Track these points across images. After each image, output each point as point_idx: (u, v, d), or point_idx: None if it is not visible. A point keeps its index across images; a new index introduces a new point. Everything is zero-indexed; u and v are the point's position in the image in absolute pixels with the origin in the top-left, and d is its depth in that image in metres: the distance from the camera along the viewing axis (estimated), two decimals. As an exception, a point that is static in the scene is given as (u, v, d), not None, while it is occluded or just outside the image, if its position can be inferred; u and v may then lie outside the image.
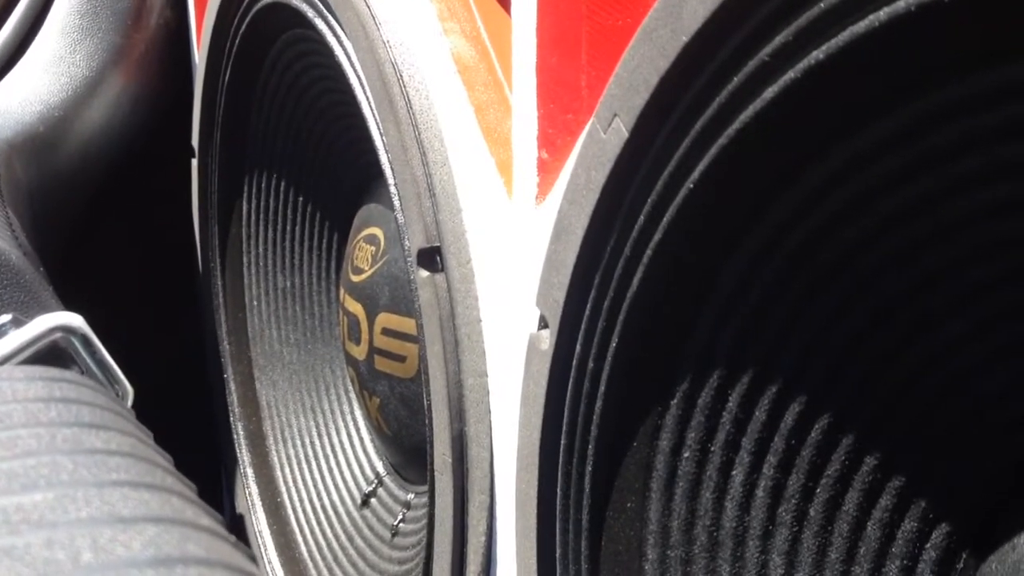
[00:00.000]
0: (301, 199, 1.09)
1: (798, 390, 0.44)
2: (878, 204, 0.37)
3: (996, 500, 0.42)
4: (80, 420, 0.31)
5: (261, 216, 1.11)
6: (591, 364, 0.50)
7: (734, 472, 0.48)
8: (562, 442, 0.53)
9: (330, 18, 0.76)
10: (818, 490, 0.47)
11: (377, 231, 0.94)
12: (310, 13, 0.79)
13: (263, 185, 1.10)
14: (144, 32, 1.17)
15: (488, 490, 0.66)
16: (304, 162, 1.05)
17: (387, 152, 0.69)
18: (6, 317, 0.55)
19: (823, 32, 0.35)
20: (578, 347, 0.50)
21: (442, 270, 0.65)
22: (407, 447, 0.97)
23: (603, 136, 0.46)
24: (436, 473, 0.68)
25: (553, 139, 0.56)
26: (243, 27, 0.96)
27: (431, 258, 0.65)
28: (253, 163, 1.09)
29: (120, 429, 0.33)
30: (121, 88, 1.15)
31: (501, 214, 0.61)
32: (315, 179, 1.06)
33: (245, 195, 1.11)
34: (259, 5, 0.91)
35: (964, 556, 0.44)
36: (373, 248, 0.94)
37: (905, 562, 0.44)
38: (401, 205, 0.68)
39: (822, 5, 0.34)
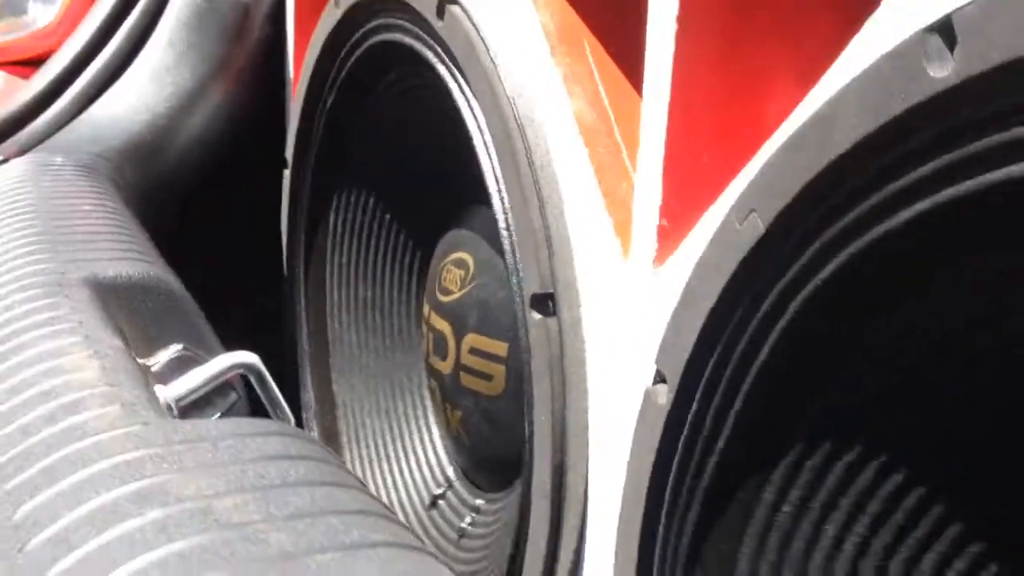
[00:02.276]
0: (388, 216, 1.15)
1: (898, 467, 0.50)
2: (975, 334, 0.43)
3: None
4: (323, 477, 0.38)
5: (348, 229, 1.18)
6: (708, 423, 0.56)
7: (826, 527, 0.54)
8: (669, 485, 0.59)
9: (452, 67, 0.82)
10: (900, 548, 0.53)
11: (466, 256, 1.00)
12: (432, 58, 0.85)
13: (353, 201, 1.16)
14: (245, 47, 1.23)
15: (581, 515, 0.72)
16: (395, 184, 1.12)
17: (504, 199, 0.75)
18: (177, 347, 0.62)
19: (961, 173, 0.41)
20: (695, 405, 0.56)
21: (554, 314, 0.71)
22: (483, 457, 1.03)
23: (738, 227, 0.52)
24: (534, 497, 0.74)
25: (674, 210, 0.62)
26: (353, 57, 1.02)
27: (544, 303, 0.71)
28: (345, 180, 1.15)
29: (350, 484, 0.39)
30: (220, 99, 1.22)
31: (615, 271, 0.67)
32: (404, 200, 1.13)
33: (334, 208, 1.18)
34: (375, 40, 0.97)
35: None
36: (462, 272, 1.00)
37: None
38: (516, 250, 0.74)
39: (967, 150, 0.40)
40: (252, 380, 0.57)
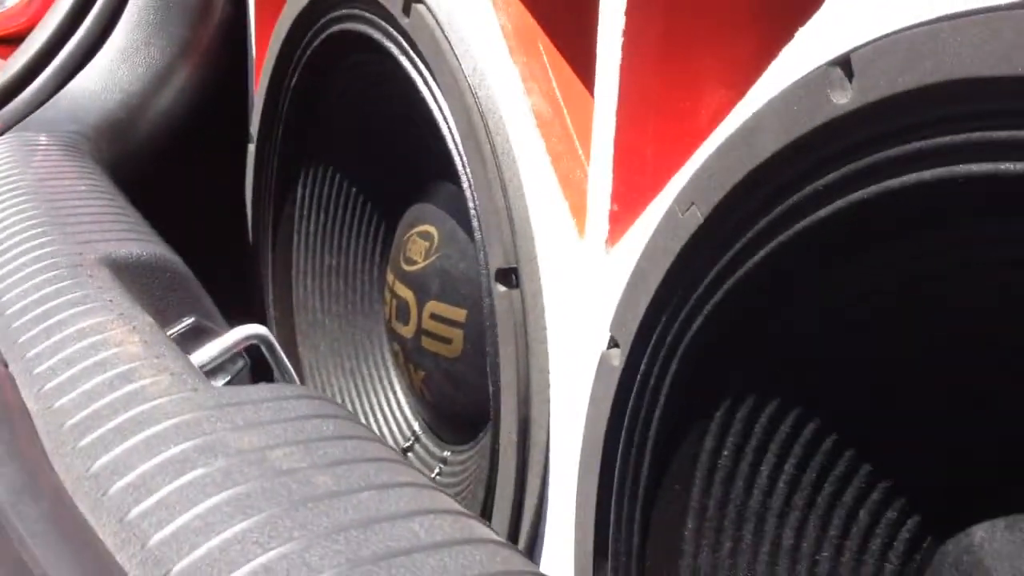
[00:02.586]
0: (352, 190, 1.23)
1: (814, 415, 0.61)
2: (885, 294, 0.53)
3: (956, 499, 0.59)
4: (357, 431, 0.47)
5: (313, 201, 1.26)
6: (653, 381, 0.66)
7: (761, 468, 0.64)
8: (622, 436, 0.69)
9: (418, 61, 0.90)
10: (825, 484, 0.63)
11: (431, 229, 1.09)
12: (396, 52, 0.93)
13: (318, 175, 1.24)
14: (209, 27, 1.29)
15: (543, 463, 0.82)
16: (359, 160, 1.20)
17: (471, 183, 0.84)
18: (188, 320, 0.70)
19: (863, 180, 0.50)
20: (644, 366, 0.66)
21: (517, 287, 0.80)
22: (446, 413, 1.13)
23: (681, 216, 0.61)
24: (501, 448, 0.84)
25: (624, 196, 0.71)
26: (318, 40, 1.09)
27: (508, 276, 0.80)
28: (311, 154, 1.23)
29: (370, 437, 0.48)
30: (187, 77, 1.28)
31: (572, 249, 0.76)
32: (367, 176, 1.21)
33: (300, 182, 1.25)
34: (340, 27, 1.04)
35: (929, 540, 0.61)
36: (427, 244, 1.08)
37: (885, 540, 0.61)
38: (482, 229, 0.83)
39: (861, 163, 0.50)
40: (263, 349, 0.66)
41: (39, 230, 0.77)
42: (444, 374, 1.07)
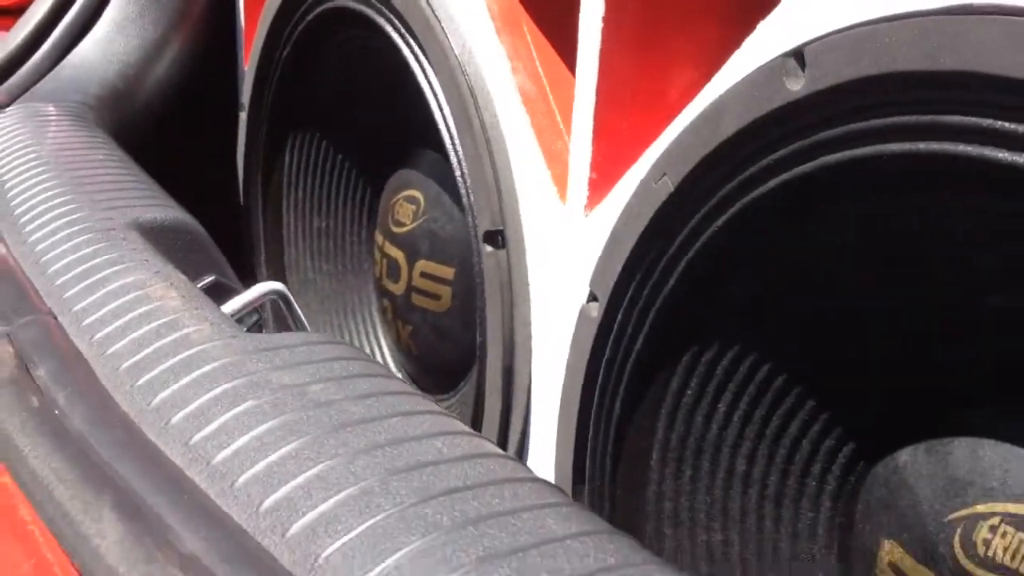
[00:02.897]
0: (341, 157, 1.30)
1: (766, 360, 0.70)
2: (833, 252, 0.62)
3: (884, 428, 0.68)
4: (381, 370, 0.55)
5: (303, 166, 1.33)
6: (628, 330, 0.74)
7: (719, 405, 0.74)
8: (599, 380, 0.78)
9: (409, 39, 0.98)
10: (773, 417, 0.72)
11: (417, 193, 1.16)
12: (389, 29, 1.00)
13: (307, 142, 1.31)
14: (198, 1, 1.35)
15: (525, 406, 0.91)
16: (347, 129, 1.27)
17: (460, 153, 0.91)
18: (210, 278, 0.77)
19: (808, 156, 0.59)
20: (620, 318, 0.75)
21: (503, 247, 0.88)
22: (430, 365, 1.21)
23: (654, 186, 0.70)
24: (487, 393, 0.92)
25: (602, 165, 0.79)
26: (311, 15, 1.16)
27: (495, 238, 0.89)
28: (300, 123, 1.30)
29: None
30: (180, 48, 1.35)
31: (554, 213, 0.85)
32: (355, 143, 1.28)
33: (290, 148, 1.33)
34: (331, 4, 1.11)
35: (862, 463, 0.70)
36: (414, 207, 1.16)
37: (824, 465, 0.71)
38: (471, 194, 0.91)
39: (811, 139, 0.59)
40: (281, 304, 0.74)
41: (67, 198, 0.84)
42: (431, 328, 1.16)
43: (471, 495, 0.46)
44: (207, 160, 1.42)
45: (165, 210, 0.83)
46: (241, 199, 1.41)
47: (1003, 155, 0.48)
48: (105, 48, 1.27)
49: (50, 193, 0.85)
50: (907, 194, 0.56)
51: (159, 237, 0.80)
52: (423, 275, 1.14)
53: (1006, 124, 0.47)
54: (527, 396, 0.91)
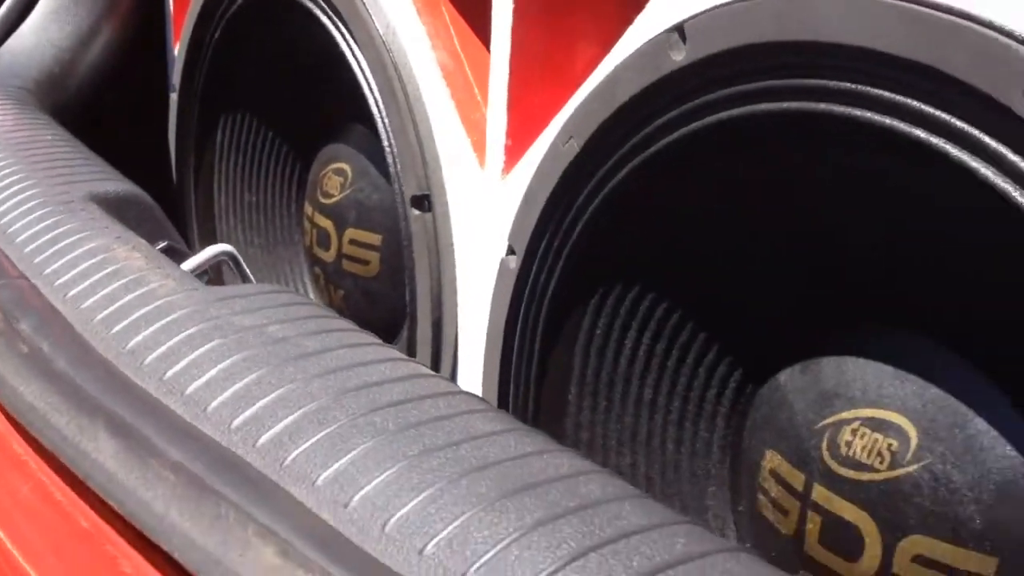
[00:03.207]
0: (270, 133, 1.38)
1: (663, 298, 0.80)
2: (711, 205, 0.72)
3: (767, 353, 0.78)
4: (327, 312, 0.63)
5: (234, 144, 1.40)
6: (543, 278, 0.84)
7: (626, 341, 0.83)
8: (519, 325, 0.87)
9: (336, 19, 1.05)
10: (673, 349, 0.82)
11: (345, 166, 1.24)
12: (316, 11, 1.08)
13: (238, 119, 1.38)
14: (130, -14, 1.41)
15: (453, 355, 1.00)
16: (276, 106, 1.34)
17: (387, 123, 1.00)
18: (163, 244, 0.85)
19: (691, 118, 0.69)
20: (535, 267, 0.84)
21: (429, 211, 0.97)
22: (361, 327, 1.29)
23: (562, 148, 0.79)
24: (418, 345, 1.01)
25: (516, 133, 0.88)
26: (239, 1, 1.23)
27: (421, 202, 0.97)
28: (230, 102, 1.37)
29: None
30: (112, 33, 1.40)
31: (474, 177, 0.94)
32: (284, 120, 1.35)
33: (220, 126, 1.39)
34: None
35: (750, 386, 0.81)
36: (341, 179, 1.24)
37: (718, 390, 0.81)
38: (397, 162, 0.99)
39: (693, 103, 0.68)
40: (230, 264, 0.82)
41: (24, 175, 0.90)
42: (362, 292, 1.24)
43: (411, 406, 0.55)
44: (140, 140, 1.48)
45: (116, 183, 0.90)
46: (174, 177, 1.47)
47: (842, 109, 0.58)
48: (41, 34, 1.33)
49: (6, 172, 0.91)
50: (777, 147, 0.66)
51: (113, 208, 0.87)
52: (352, 242, 1.22)
53: (840, 83, 0.57)
54: (454, 347, 1.00)
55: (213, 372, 0.59)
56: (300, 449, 0.52)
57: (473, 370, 0.97)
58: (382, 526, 0.47)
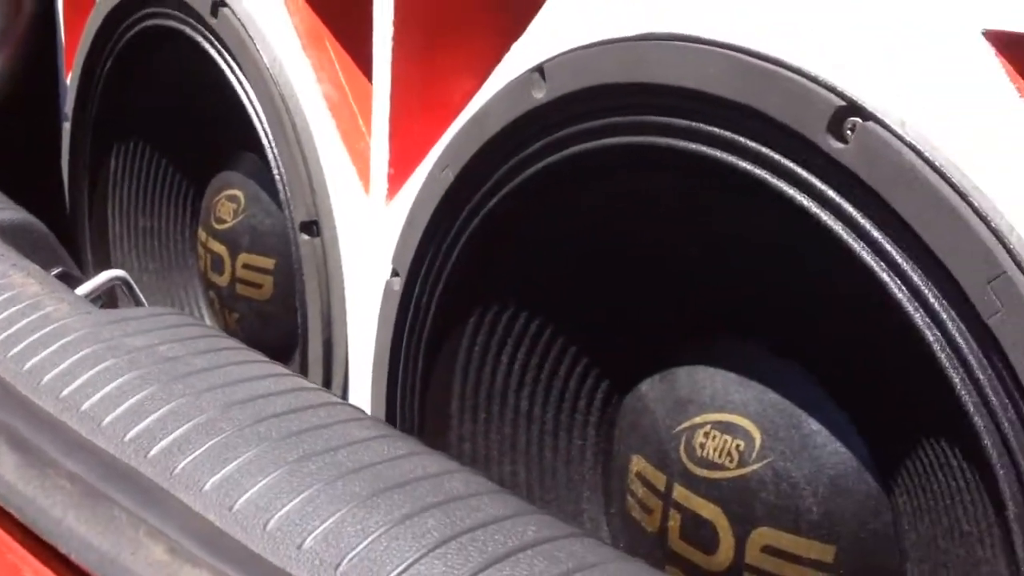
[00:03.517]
0: (164, 162, 1.41)
1: (535, 316, 0.86)
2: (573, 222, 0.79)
3: (631, 366, 0.85)
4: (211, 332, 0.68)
5: (127, 171, 1.43)
6: (425, 299, 0.89)
7: (502, 357, 0.89)
8: (403, 343, 0.93)
9: (225, 54, 1.10)
10: (546, 364, 0.89)
11: (238, 192, 1.28)
12: (206, 46, 1.12)
13: (131, 148, 1.41)
14: (21, 20, 1.43)
15: (344, 373, 1.05)
16: (169, 135, 1.37)
17: (276, 153, 1.04)
18: (57, 270, 0.88)
19: (553, 150, 0.75)
20: (416, 289, 0.90)
21: (318, 235, 1.02)
22: (257, 347, 1.32)
23: (438, 176, 0.85)
24: (310, 364, 1.06)
25: (398, 162, 0.94)
26: (132, 32, 1.27)
27: (310, 227, 1.02)
28: (124, 131, 1.40)
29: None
30: (4, 64, 1.42)
31: (360, 204, 0.99)
32: (177, 148, 1.39)
33: (114, 155, 1.42)
34: (151, 23, 1.22)
35: (616, 396, 0.87)
36: (235, 205, 1.28)
37: (588, 400, 0.88)
38: (287, 189, 1.04)
39: (554, 136, 0.75)
40: (123, 289, 0.85)
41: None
42: (256, 315, 1.28)
43: (293, 416, 0.60)
44: (34, 169, 1.49)
45: (11, 212, 0.93)
46: (67, 205, 1.49)
47: (680, 143, 0.65)
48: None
49: None
50: (624, 178, 0.73)
51: (8, 236, 0.90)
52: (245, 267, 1.26)
53: (677, 120, 0.64)
54: (345, 366, 1.05)
55: (107, 389, 0.63)
56: (189, 458, 0.57)
57: (363, 387, 1.01)
58: (264, 525, 0.52)
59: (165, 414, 0.60)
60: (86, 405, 0.62)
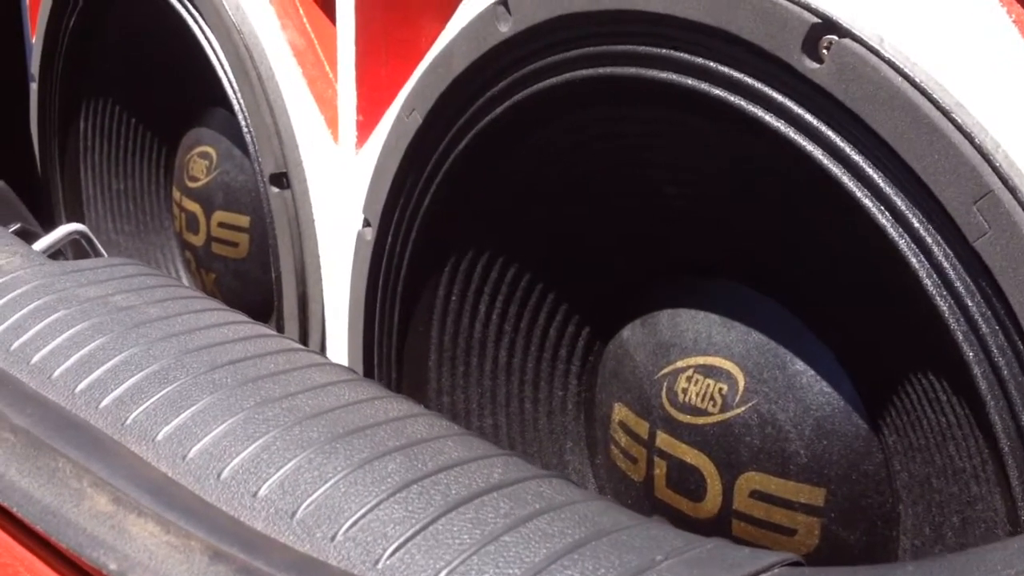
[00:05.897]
0: (134, 120, 1.37)
1: (512, 262, 0.83)
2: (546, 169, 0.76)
3: (611, 312, 0.83)
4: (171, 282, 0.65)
5: (97, 132, 1.39)
6: (398, 248, 0.86)
7: (480, 306, 0.87)
8: (378, 295, 0.90)
9: (188, 5, 1.06)
10: (524, 312, 0.86)
11: (210, 149, 1.25)
12: (170, -3, 1.09)
13: (100, 107, 1.37)
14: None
15: (321, 328, 1.02)
16: (137, 93, 1.34)
17: (242, 104, 1.01)
18: (16, 226, 0.85)
19: (522, 85, 0.72)
20: (389, 238, 0.87)
21: (288, 187, 0.99)
22: (234, 307, 1.30)
23: (406, 120, 0.82)
24: (285, 320, 1.03)
25: (366, 109, 0.91)
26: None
27: (280, 180, 0.99)
28: (91, 90, 1.36)
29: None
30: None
31: (329, 153, 0.96)
32: (146, 106, 1.35)
33: (83, 115, 1.38)
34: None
35: (598, 343, 0.85)
36: (207, 162, 1.25)
37: (569, 349, 0.85)
38: (255, 142, 1.01)
39: (520, 72, 0.72)
40: (83, 242, 0.82)
41: None
42: (233, 274, 1.25)
43: (251, 363, 0.57)
44: (1, 131, 1.46)
45: (-33, 171, 0.90)
46: (38, 168, 1.45)
47: (650, 73, 0.62)
48: None
49: None
50: (593, 111, 0.70)
51: (-35, 195, 0.87)
52: (220, 225, 1.23)
53: (647, 47, 0.61)
54: (321, 321, 1.02)
55: (58, 341, 0.60)
56: (141, 408, 0.54)
57: (340, 343, 0.99)
58: (218, 474, 0.49)
59: (117, 364, 0.57)
60: (36, 358, 0.60)
